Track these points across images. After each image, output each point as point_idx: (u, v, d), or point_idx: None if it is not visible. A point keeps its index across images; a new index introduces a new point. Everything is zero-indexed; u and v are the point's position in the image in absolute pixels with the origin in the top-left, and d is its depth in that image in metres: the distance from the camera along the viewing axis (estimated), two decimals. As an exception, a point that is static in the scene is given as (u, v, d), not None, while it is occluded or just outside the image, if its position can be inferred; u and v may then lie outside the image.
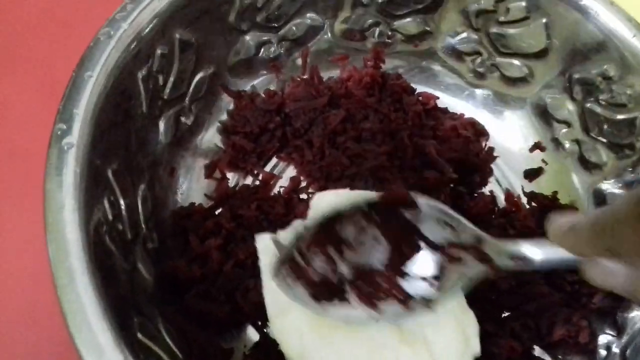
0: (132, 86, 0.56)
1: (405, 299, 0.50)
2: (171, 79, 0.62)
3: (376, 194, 0.54)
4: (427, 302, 0.50)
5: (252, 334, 0.59)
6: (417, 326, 0.51)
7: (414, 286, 0.51)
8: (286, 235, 0.53)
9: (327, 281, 0.51)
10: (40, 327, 0.61)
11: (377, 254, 0.52)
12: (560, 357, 0.60)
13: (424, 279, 0.51)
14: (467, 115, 0.74)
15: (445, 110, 0.75)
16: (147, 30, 0.57)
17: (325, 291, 0.50)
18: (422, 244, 0.52)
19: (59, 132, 0.48)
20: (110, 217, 0.51)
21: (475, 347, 0.52)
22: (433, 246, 0.52)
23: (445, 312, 0.51)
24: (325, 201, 0.56)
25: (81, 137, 0.49)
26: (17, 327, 0.62)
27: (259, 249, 0.54)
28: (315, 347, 0.50)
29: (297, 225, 0.54)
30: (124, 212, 0.53)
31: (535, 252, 0.46)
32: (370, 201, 0.52)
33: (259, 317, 0.57)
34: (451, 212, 0.51)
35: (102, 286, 0.44)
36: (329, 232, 0.52)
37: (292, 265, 0.51)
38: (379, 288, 0.51)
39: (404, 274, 0.51)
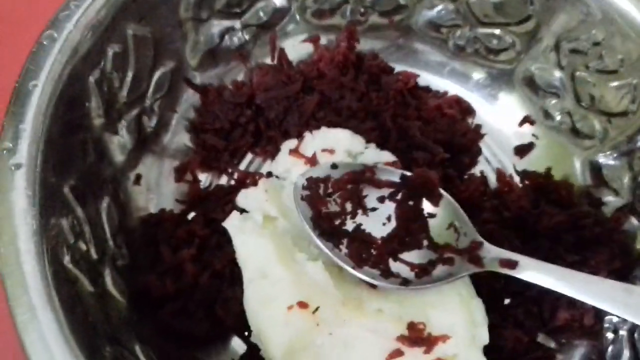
0: (83, 92, 0.51)
1: (386, 273, 0.52)
2: (128, 78, 0.57)
3: (394, 159, 0.60)
4: (405, 283, 0.52)
5: (238, 346, 0.56)
6: (419, 306, 0.52)
7: (399, 266, 0.53)
8: (319, 169, 0.57)
9: (332, 221, 0.55)
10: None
11: (382, 227, 0.55)
12: (564, 341, 0.58)
13: (409, 263, 0.53)
14: (450, 93, 0.70)
15: (427, 89, 0.70)
16: (95, 29, 0.52)
17: (326, 227, 0.54)
18: (425, 243, 0.55)
19: (4, 152, 0.44)
20: (71, 239, 0.46)
21: (484, 336, 0.51)
22: (433, 247, 0.54)
23: (451, 294, 0.52)
24: (343, 139, 0.61)
25: (30, 155, 0.44)
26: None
27: (230, 229, 0.55)
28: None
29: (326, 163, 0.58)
30: (86, 231, 0.49)
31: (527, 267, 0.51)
32: (400, 174, 0.57)
33: (243, 327, 0.53)
34: (465, 216, 0.55)
35: (67, 320, 0.40)
36: (354, 182, 0.57)
37: (313, 191, 0.55)
38: (369, 254, 0.54)
39: (395, 257, 0.54)
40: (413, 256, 0.54)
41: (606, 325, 0.56)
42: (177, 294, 0.53)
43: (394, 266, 0.53)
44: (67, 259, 0.45)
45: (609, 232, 0.58)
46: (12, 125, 0.45)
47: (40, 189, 0.44)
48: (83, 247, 0.48)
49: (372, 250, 0.54)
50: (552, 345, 0.57)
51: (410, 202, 0.56)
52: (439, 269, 0.53)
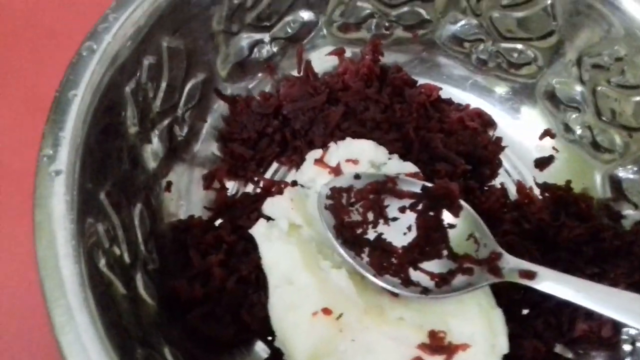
0: (120, 101, 0.53)
1: (406, 281, 0.54)
2: (161, 89, 0.59)
3: (417, 170, 0.61)
4: (425, 292, 0.53)
5: (261, 350, 0.57)
6: (440, 315, 0.53)
7: (419, 275, 0.55)
8: (343, 178, 0.59)
9: (354, 230, 0.56)
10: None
11: (402, 237, 0.57)
12: (581, 352, 0.58)
13: (429, 272, 0.55)
14: (472, 106, 0.71)
15: (449, 102, 0.72)
16: (132, 41, 0.54)
17: (349, 236, 0.55)
18: (445, 253, 0.56)
19: (45, 159, 0.46)
20: (106, 243, 0.48)
21: (504, 345, 0.52)
22: (453, 257, 0.55)
23: (471, 303, 0.53)
24: (366, 150, 0.62)
25: (69, 162, 0.46)
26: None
27: (256, 236, 0.57)
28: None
29: (349, 173, 0.60)
30: (120, 236, 0.51)
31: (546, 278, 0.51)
32: (421, 185, 0.59)
33: (267, 332, 0.54)
34: (485, 227, 0.56)
35: (102, 321, 0.42)
36: (376, 192, 0.58)
37: (336, 201, 0.57)
38: (389, 263, 0.55)
39: (415, 266, 0.55)
40: (433, 266, 0.55)
41: (624, 337, 0.57)
42: (205, 298, 0.55)
43: (414, 275, 0.54)
44: (102, 263, 0.46)
45: (629, 245, 0.59)
46: (52, 132, 0.47)
47: (78, 195, 0.45)
48: (117, 251, 0.50)
49: (393, 259, 0.55)
50: (570, 355, 0.58)
51: (431, 213, 0.57)
52: (459, 279, 0.54)
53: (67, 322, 0.40)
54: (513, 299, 0.58)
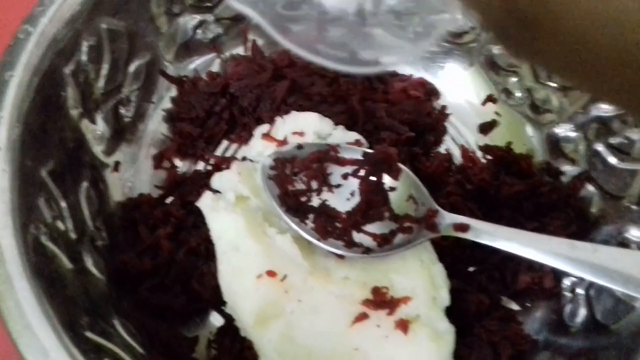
0: (60, 83, 0.55)
1: (350, 243, 0.55)
2: (103, 70, 0.60)
3: (361, 139, 0.62)
4: (367, 251, 0.55)
5: (216, 320, 0.58)
6: (383, 272, 0.54)
7: (362, 237, 0.56)
8: (286, 149, 0.60)
9: (298, 198, 0.58)
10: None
11: (346, 202, 0.58)
12: (528, 304, 0.60)
13: (372, 233, 0.56)
14: (416, 76, 0.73)
15: (393, 73, 0.73)
16: (69, 23, 0.55)
17: (293, 204, 0.57)
18: (386, 215, 0.57)
19: (-17, 137, 0.47)
20: (49, 219, 0.49)
21: (445, 298, 0.54)
22: (393, 218, 0.57)
23: (413, 259, 0.55)
24: (312, 122, 0.64)
25: (8, 139, 0.47)
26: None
27: (203, 208, 0.58)
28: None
29: (293, 143, 0.61)
30: (65, 213, 0.52)
31: (478, 229, 0.53)
32: (362, 152, 0.60)
33: (219, 301, 0.56)
34: (422, 187, 0.58)
35: (44, 290, 0.43)
36: (319, 160, 0.59)
37: (280, 171, 0.59)
38: (334, 227, 0.56)
39: (359, 229, 0.57)
40: (376, 227, 0.56)
41: (564, 286, 0.59)
42: (155, 270, 0.56)
43: (358, 237, 0.56)
44: (44, 237, 0.48)
45: (566, 198, 0.61)
46: (-10, 112, 0.48)
47: (18, 171, 0.47)
48: (61, 227, 0.51)
49: (337, 224, 0.57)
50: (516, 307, 0.60)
51: (372, 178, 0.59)
52: (399, 238, 0.55)
53: (7, 290, 0.41)
54: (459, 257, 0.60)
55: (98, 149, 0.60)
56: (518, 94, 0.70)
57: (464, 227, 0.54)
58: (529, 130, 0.69)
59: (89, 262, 0.53)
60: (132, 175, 0.64)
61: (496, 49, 0.70)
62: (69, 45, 0.55)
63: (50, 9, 0.54)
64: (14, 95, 0.49)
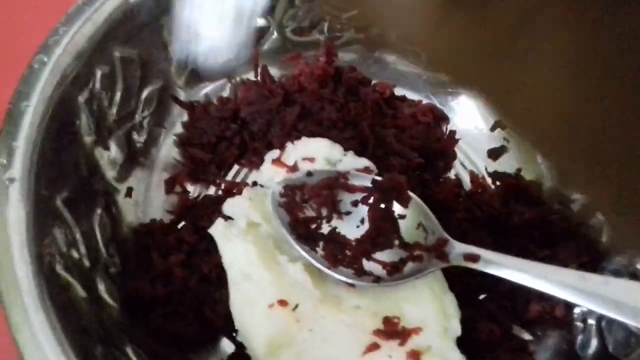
0: (74, 111, 0.55)
1: (360, 271, 0.56)
2: (117, 97, 0.61)
3: (371, 165, 0.63)
4: (377, 280, 0.55)
5: (227, 346, 0.58)
6: (394, 301, 0.55)
7: (372, 265, 0.56)
8: (296, 176, 0.61)
9: (309, 225, 0.58)
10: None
11: (355, 229, 0.59)
12: (539, 333, 0.60)
13: (382, 262, 0.57)
14: (425, 102, 0.74)
15: (403, 99, 0.74)
16: (83, 53, 0.56)
17: (303, 231, 0.57)
18: (396, 242, 0.58)
19: (-1, 168, 0.47)
20: (63, 247, 0.49)
21: (456, 328, 0.54)
22: (403, 246, 0.57)
23: (424, 289, 0.55)
24: (322, 148, 0.64)
25: (24, 170, 0.48)
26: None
27: (215, 235, 0.58)
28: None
29: (303, 170, 0.62)
30: (79, 241, 0.52)
31: (488, 260, 0.54)
32: (371, 179, 0.60)
33: (231, 328, 0.56)
34: (432, 216, 0.59)
35: (59, 321, 0.43)
36: (329, 188, 0.60)
37: (290, 198, 0.59)
38: (344, 254, 0.57)
39: (369, 257, 0.57)
40: (385, 255, 0.57)
41: (575, 315, 0.59)
42: (168, 297, 0.56)
43: (368, 265, 0.56)
44: (59, 266, 0.48)
45: (576, 227, 0.61)
46: (6, 143, 0.49)
47: (34, 201, 0.47)
48: (75, 255, 0.51)
49: (347, 251, 0.57)
50: (527, 337, 0.60)
51: (382, 205, 0.59)
52: (409, 266, 0.56)
53: (23, 321, 0.42)
54: (469, 285, 0.60)
55: (111, 175, 0.61)
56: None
57: (474, 258, 0.54)
58: (539, 157, 0.69)
59: (102, 290, 0.53)
60: (144, 200, 0.64)
61: (505, 75, 0.71)
62: (82, 74, 0.56)
63: (64, 38, 0.55)
64: (29, 125, 0.50)
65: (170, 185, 0.66)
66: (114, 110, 0.61)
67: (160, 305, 0.56)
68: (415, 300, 0.54)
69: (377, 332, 0.52)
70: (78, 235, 0.52)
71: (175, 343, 0.56)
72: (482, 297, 0.61)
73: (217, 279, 0.58)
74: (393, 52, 0.76)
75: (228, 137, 0.69)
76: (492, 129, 0.72)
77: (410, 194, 0.60)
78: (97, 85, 0.58)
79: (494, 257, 0.53)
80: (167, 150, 0.68)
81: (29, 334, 0.41)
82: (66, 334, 0.43)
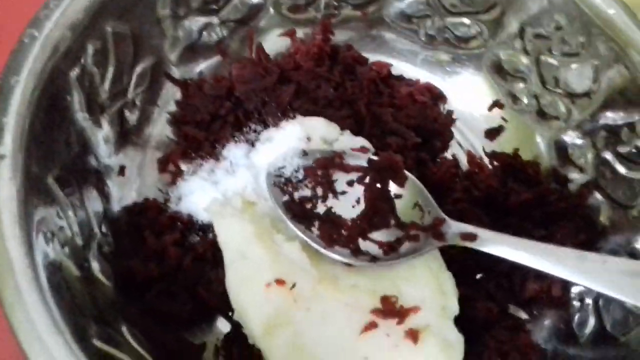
0: (65, 87, 0.54)
1: (356, 251, 0.55)
2: (109, 74, 0.59)
3: (367, 144, 0.62)
4: (374, 259, 0.55)
5: (223, 326, 0.58)
6: (392, 280, 0.54)
7: (368, 244, 0.56)
8: (289, 159, 0.60)
9: (304, 205, 0.58)
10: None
11: (351, 209, 0.58)
12: (535, 312, 0.60)
13: (378, 241, 0.56)
14: (423, 80, 0.73)
15: (400, 78, 0.73)
16: (74, 27, 0.54)
17: (298, 211, 0.57)
18: (392, 222, 0.57)
19: (-13, 145, 0.46)
20: (56, 226, 0.48)
21: (454, 307, 0.54)
22: (400, 225, 0.57)
23: (422, 268, 0.55)
24: (318, 127, 0.63)
25: (14, 147, 0.47)
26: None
27: (211, 214, 0.58)
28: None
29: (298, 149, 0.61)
30: (71, 219, 0.51)
31: (486, 239, 0.53)
32: (367, 158, 0.60)
33: (226, 307, 0.55)
34: (428, 195, 0.58)
35: (52, 300, 0.43)
36: (324, 167, 0.59)
37: (285, 178, 0.59)
38: (339, 234, 0.56)
39: (365, 236, 0.57)
40: (382, 235, 0.56)
41: (572, 295, 0.59)
42: (162, 277, 0.55)
43: (364, 245, 0.56)
44: (52, 245, 0.47)
45: (574, 207, 0.61)
46: (-5, 118, 0.47)
47: (24, 179, 0.46)
48: (68, 233, 0.50)
49: (343, 231, 0.56)
50: (523, 316, 0.60)
51: (378, 185, 0.59)
52: (406, 246, 0.55)
53: (17, 301, 0.41)
54: (466, 264, 0.59)
55: (103, 153, 0.59)
56: (525, 100, 0.69)
57: (471, 237, 0.54)
58: (536, 136, 0.68)
59: (96, 269, 0.52)
60: (137, 179, 0.63)
61: (503, 54, 0.70)
62: (74, 49, 0.54)
63: (56, 12, 0.53)
64: (19, 101, 0.48)
65: (163, 164, 0.65)
66: (106, 86, 0.59)
67: (154, 285, 0.55)
68: (413, 279, 0.54)
69: (375, 311, 0.52)
70: (70, 213, 0.51)
71: (170, 322, 0.55)
72: (479, 276, 0.61)
73: (212, 258, 0.57)
74: (390, 30, 0.74)
75: (222, 116, 0.67)
76: (490, 108, 0.71)
77: (407, 173, 0.59)
78: (89, 60, 0.56)
79: (490, 236, 0.53)
80: (160, 128, 0.67)
81: (23, 315, 0.40)
82: (61, 314, 0.42)
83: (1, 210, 0.43)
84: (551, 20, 0.64)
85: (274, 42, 0.74)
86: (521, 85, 0.70)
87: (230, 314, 0.57)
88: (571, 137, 0.65)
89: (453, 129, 0.71)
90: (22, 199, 0.45)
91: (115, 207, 0.59)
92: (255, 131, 0.66)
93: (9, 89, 0.48)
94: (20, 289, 0.41)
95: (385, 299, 0.52)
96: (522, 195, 0.61)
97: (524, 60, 0.68)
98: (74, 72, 0.54)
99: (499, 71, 0.71)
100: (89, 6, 0.55)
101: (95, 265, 0.52)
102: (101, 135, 0.59)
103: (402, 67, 0.74)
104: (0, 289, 0.42)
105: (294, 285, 0.52)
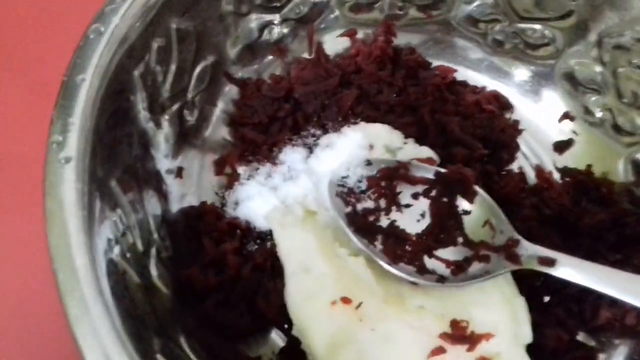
0: (129, 85, 0.52)
1: (422, 269, 0.53)
2: (171, 72, 0.57)
3: (434, 155, 0.59)
4: (441, 280, 0.52)
5: (278, 338, 0.56)
6: (461, 304, 0.52)
7: (434, 263, 0.54)
8: (352, 168, 0.58)
9: (367, 218, 0.55)
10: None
11: (416, 224, 0.56)
12: (604, 339, 0.57)
13: (445, 260, 0.54)
14: (488, 88, 0.69)
15: (465, 84, 0.70)
16: (140, 23, 0.52)
17: (361, 224, 0.55)
18: (460, 240, 0.54)
19: (54, 145, 0.44)
20: (119, 231, 0.47)
21: (527, 334, 0.51)
22: (468, 244, 0.54)
23: (493, 291, 0.52)
24: (381, 134, 0.61)
25: (79, 149, 0.44)
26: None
27: (271, 223, 0.56)
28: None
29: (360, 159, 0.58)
30: (133, 223, 0.49)
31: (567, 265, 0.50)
32: (434, 171, 0.57)
33: (284, 320, 0.53)
34: (501, 213, 0.55)
35: (117, 312, 0.41)
36: (388, 178, 0.57)
37: (348, 188, 0.57)
38: (404, 250, 0.54)
39: (430, 254, 0.54)
40: (448, 253, 0.54)
41: (649, 325, 0.55)
42: (220, 286, 0.53)
43: (429, 263, 0.53)
44: (115, 252, 0.45)
45: (653, 230, 0.57)
46: (62, 118, 0.45)
47: (89, 182, 0.44)
48: (130, 239, 0.48)
49: (407, 247, 0.54)
50: (593, 344, 0.57)
51: (445, 199, 0.56)
52: (475, 266, 0.53)
53: (82, 313, 0.39)
54: (533, 286, 0.56)
55: (163, 154, 0.57)
56: (599, 113, 0.66)
57: (550, 262, 0.51)
58: (610, 152, 0.65)
59: (155, 276, 0.50)
60: (195, 181, 0.61)
61: (576, 63, 0.66)
62: (139, 46, 0.52)
63: (122, 6, 0.51)
64: (85, 100, 0.46)
65: (220, 166, 0.63)
66: (167, 86, 0.57)
67: (212, 294, 0.53)
68: (485, 303, 0.51)
69: (444, 336, 0.49)
70: (132, 217, 0.50)
71: (227, 333, 0.53)
72: (547, 299, 0.58)
73: (271, 268, 0.55)
74: (456, 34, 0.71)
75: (280, 118, 0.65)
76: (560, 120, 0.68)
77: (477, 189, 0.56)
78: (153, 58, 0.54)
79: (572, 263, 0.50)
80: (218, 129, 0.65)
81: (88, 328, 0.38)
82: (124, 326, 0.40)
83: (67, 216, 0.41)
84: (633, 31, 0.60)
85: (333, 42, 0.72)
86: (595, 97, 0.66)
87: (286, 327, 0.55)
88: (648, 156, 0.62)
89: (519, 140, 0.67)
90: (87, 204, 0.43)
91: (173, 210, 0.57)
92: (313, 135, 0.64)
93: (75, 88, 0.46)
94: (87, 301, 0.39)
95: (455, 323, 0.50)
96: (597, 216, 0.58)
97: (599, 70, 0.65)
98: (138, 70, 0.53)
99: (571, 81, 0.67)
100: (156, 1, 0.53)
101: (154, 272, 0.50)
102: (162, 136, 0.57)
103: (466, 73, 0.71)
104: (65, 300, 0.39)
105: (360, 304, 0.49)
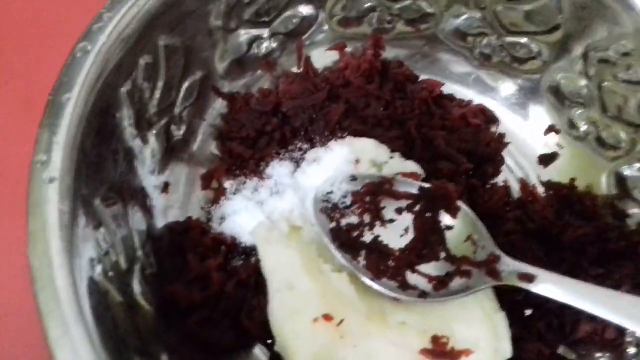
0: (115, 103, 0.52)
1: (404, 285, 0.53)
2: (158, 88, 0.58)
3: (418, 170, 0.60)
4: (423, 295, 0.52)
5: (261, 354, 0.56)
6: (443, 319, 0.52)
7: (416, 278, 0.54)
8: (337, 184, 0.58)
9: (350, 233, 0.56)
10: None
11: (399, 239, 0.56)
12: (584, 353, 0.58)
13: (427, 275, 0.54)
14: (475, 102, 0.70)
15: (452, 97, 0.70)
16: (127, 41, 0.52)
17: (345, 239, 0.55)
18: (442, 255, 0.55)
19: (38, 165, 0.44)
20: (102, 250, 0.47)
21: (507, 349, 0.52)
22: (450, 259, 0.54)
23: (474, 307, 0.53)
24: (368, 149, 0.61)
25: (63, 168, 0.45)
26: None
27: (256, 238, 0.57)
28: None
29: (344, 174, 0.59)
30: (117, 241, 0.50)
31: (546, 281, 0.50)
32: (418, 185, 0.58)
33: (267, 336, 0.54)
34: (483, 228, 0.55)
35: (98, 333, 0.41)
36: (372, 194, 0.57)
37: (332, 203, 0.57)
38: (387, 265, 0.54)
39: (413, 269, 0.55)
40: (430, 268, 0.54)
41: (628, 339, 0.56)
42: (204, 303, 0.54)
43: (412, 278, 0.54)
44: (97, 271, 0.45)
45: (634, 245, 0.58)
46: (46, 137, 0.45)
47: (73, 202, 0.44)
48: (113, 257, 0.49)
49: (390, 262, 0.55)
50: (573, 357, 0.57)
51: (428, 214, 0.57)
52: (457, 282, 0.53)
53: (62, 335, 0.39)
54: (515, 300, 0.57)
55: (149, 170, 0.58)
56: (583, 127, 0.66)
57: (529, 278, 0.51)
58: (594, 165, 0.65)
59: (138, 293, 0.51)
60: (181, 196, 0.62)
61: (562, 77, 0.67)
62: (126, 64, 0.53)
63: (109, 25, 0.52)
64: (70, 119, 0.47)
65: (207, 181, 0.63)
66: (155, 101, 0.58)
67: (195, 310, 0.54)
68: (466, 318, 0.52)
69: (424, 351, 0.50)
70: (116, 235, 0.50)
71: (210, 349, 0.53)
72: (528, 312, 0.58)
73: (255, 284, 0.56)
74: (443, 47, 0.72)
75: (268, 132, 0.65)
76: (545, 133, 0.68)
77: (460, 204, 0.57)
78: (140, 75, 0.55)
79: (553, 279, 0.50)
80: (205, 143, 0.65)
81: (68, 349, 0.38)
82: (105, 347, 0.41)
83: (49, 237, 0.42)
84: (618, 45, 0.61)
85: (322, 56, 0.72)
86: (580, 111, 0.66)
87: (269, 342, 0.55)
88: (632, 169, 0.62)
89: (504, 154, 0.68)
90: (70, 224, 0.43)
91: (158, 225, 0.58)
92: (300, 149, 0.64)
93: (60, 107, 0.47)
94: (67, 322, 0.39)
95: (436, 339, 0.50)
96: (580, 230, 0.58)
97: (585, 84, 0.65)
98: (125, 87, 0.53)
99: (557, 95, 0.68)
100: (142, 18, 0.54)
101: (137, 289, 0.51)
102: (148, 151, 0.57)
103: (453, 87, 0.72)
104: (45, 321, 0.40)
105: (341, 321, 0.50)
